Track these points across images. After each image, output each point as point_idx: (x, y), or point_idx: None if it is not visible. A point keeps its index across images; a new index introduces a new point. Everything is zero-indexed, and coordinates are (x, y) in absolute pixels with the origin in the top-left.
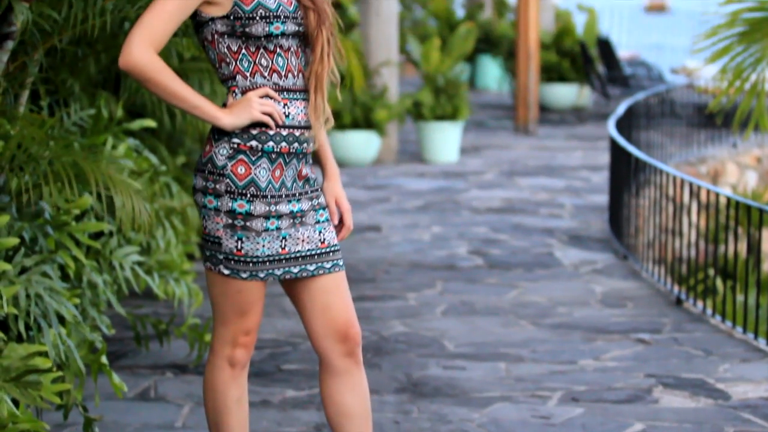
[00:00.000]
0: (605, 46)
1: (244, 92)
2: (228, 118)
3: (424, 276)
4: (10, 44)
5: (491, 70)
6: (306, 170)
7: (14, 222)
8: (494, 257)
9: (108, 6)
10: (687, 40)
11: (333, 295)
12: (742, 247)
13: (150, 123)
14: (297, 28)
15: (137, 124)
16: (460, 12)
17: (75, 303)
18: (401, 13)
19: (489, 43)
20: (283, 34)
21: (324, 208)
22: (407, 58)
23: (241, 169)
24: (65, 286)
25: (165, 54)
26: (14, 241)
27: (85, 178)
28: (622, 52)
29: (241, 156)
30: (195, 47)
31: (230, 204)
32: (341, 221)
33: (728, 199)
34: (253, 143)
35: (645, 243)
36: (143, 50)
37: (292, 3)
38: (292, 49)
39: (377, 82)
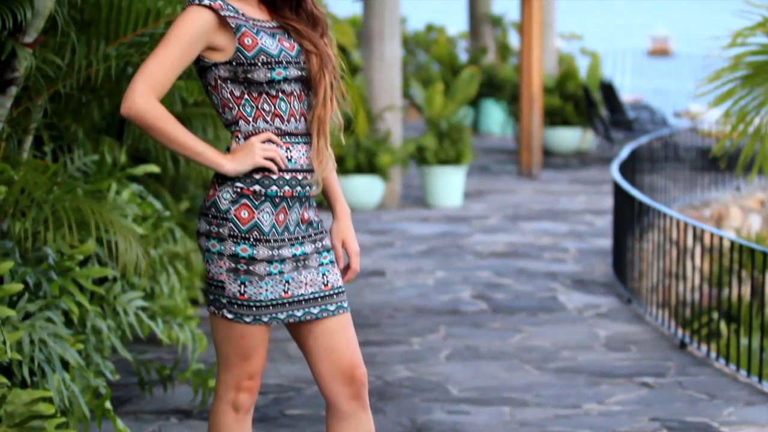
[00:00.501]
0: (608, 90)
1: (246, 137)
2: (230, 165)
3: (428, 321)
4: (13, 90)
5: (494, 115)
6: (308, 214)
7: (18, 267)
8: (498, 302)
9: (111, 51)
10: (690, 84)
11: (338, 338)
12: (746, 291)
13: (153, 168)
14: (299, 73)
15: (141, 170)
16: (463, 56)
17: (79, 348)
18: (404, 58)
19: (492, 87)
20: (285, 79)
21: (329, 251)
22: (410, 102)
23: (244, 214)
24: (69, 332)
25: (168, 99)
26: (18, 286)
27: (88, 223)
28: (626, 95)
29: (245, 200)
30: (198, 92)
31: (233, 248)
32: (349, 263)
33: (732, 243)
34: (257, 188)
35: (649, 287)
36: (145, 97)
37: (294, 48)
38: (294, 93)
39: (380, 126)
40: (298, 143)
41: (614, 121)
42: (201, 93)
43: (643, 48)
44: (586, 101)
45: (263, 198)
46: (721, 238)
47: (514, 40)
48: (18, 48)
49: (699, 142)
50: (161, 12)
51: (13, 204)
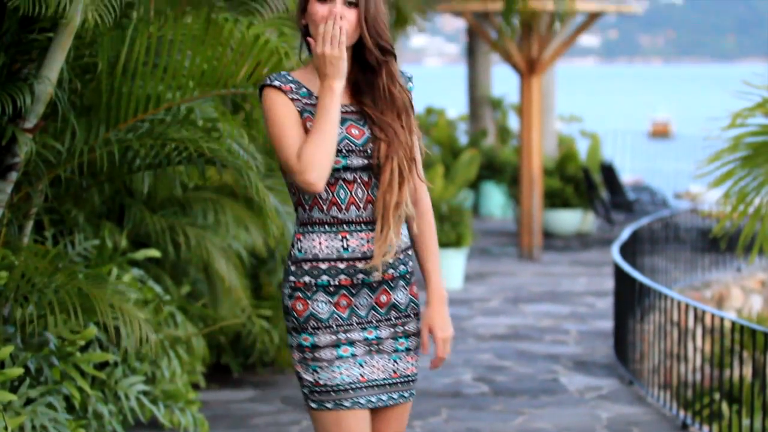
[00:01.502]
0: (609, 172)
1: (302, 224)
2: (329, 83)
3: (430, 403)
4: (14, 175)
5: (495, 197)
6: (394, 296)
7: (19, 352)
8: (499, 384)
9: (111, 137)
10: (691, 165)
11: (392, 424)
12: (748, 371)
13: (154, 253)
14: (364, 161)
15: (141, 254)
16: (463, 139)
17: None
18: None
19: (492, 169)
20: (345, 168)
21: (408, 336)
22: None
23: (299, 306)
24: (70, 417)
25: (169, 184)
26: (19, 371)
27: (89, 307)
28: (626, 177)
29: (298, 293)
30: (198, 177)
31: (297, 339)
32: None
33: (733, 324)
34: (306, 279)
35: (650, 368)
36: (309, 166)
37: (363, 135)
38: (358, 181)
39: None
40: (359, 231)
41: (615, 203)
42: (200, 178)
43: (644, 129)
44: (586, 183)
45: (315, 288)
46: (722, 319)
47: (513, 122)
48: (18, 133)
49: (699, 223)
50: (161, 98)
51: (14, 289)
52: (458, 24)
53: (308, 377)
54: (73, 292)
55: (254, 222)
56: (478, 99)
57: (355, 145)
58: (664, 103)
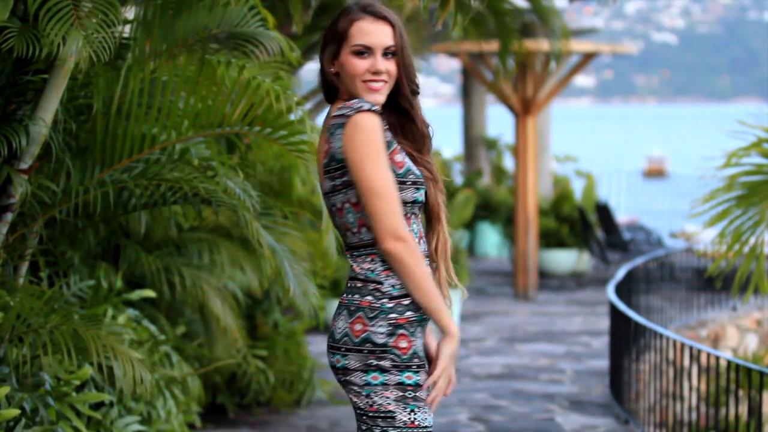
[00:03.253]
0: (604, 212)
1: (383, 261)
2: (454, 329)
3: None
4: (9, 216)
5: (490, 237)
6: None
7: (15, 393)
8: (495, 424)
9: (106, 177)
10: (686, 205)
11: None
12: (744, 410)
13: (149, 293)
14: (424, 198)
15: (137, 295)
16: (458, 179)
17: None
18: None
19: (488, 209)
20: (417, 202)
21: None
22: None
23: (403, 343)
24: None
25: (164, 225)
26: (15, 412)
27: (85, 348)
28: (621, 216)
29: (402, 330)
30: (194, 217)
31: (398, 377)
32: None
33: (728, 362)
34: (409, 314)
35: (646, 407)
36: (410, 236)
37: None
38: (418, 216)
39: None
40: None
41: (610, 243)
42: (196, 218)
43: (639, 169)
44: (581, 223)
45: (416, 324)
46: (717, 358)
47: (509, 162)
48: (13, 174)
49: (695, 262)
50: (156, 138)
51: (9, 330)
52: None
53: (404, 417)
54: (68, 333)
55: (249, 262)
56: (473, 139)
57: (421, 180)
58: (660, 142)
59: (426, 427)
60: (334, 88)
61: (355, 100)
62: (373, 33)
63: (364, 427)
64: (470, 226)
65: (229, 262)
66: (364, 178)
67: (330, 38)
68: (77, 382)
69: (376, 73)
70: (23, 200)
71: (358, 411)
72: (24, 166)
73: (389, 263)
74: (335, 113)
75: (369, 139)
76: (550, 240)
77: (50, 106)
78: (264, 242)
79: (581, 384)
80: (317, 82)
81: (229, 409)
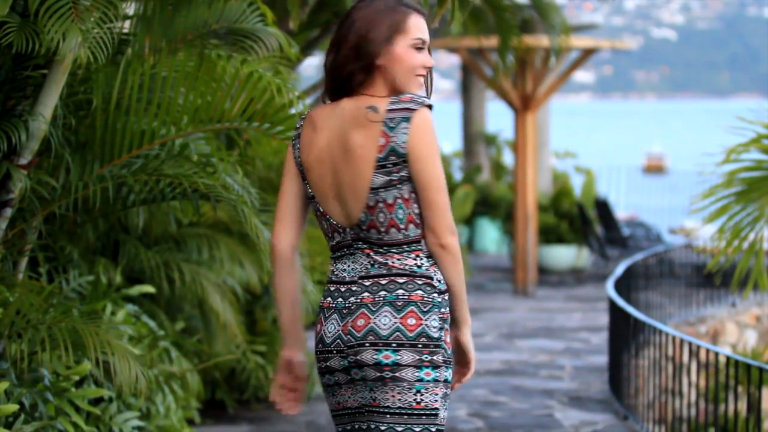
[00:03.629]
0: (603, 208)
1: (429, 256)
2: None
3: None
4: (8, 211)
5: (490, 233)
6: None
7: (14, 388)
8: (494, 420)
9: (106, 173)
10: (685, 201)
11: None
12: (743, 406)
13: (149, 289)
14: None
15: (136, 290)
16: (457, 175)
17: None
18: None
19: (487, 205)
20: None
21: None
22: None
23: (448, 338)
24: None
25: (164, 220)
26: (14, 407)
27: (84, 344)
28: (620, 212)
29: (446, 325)
30: (193, 213)
31: (446, 373)
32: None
33: (728, 359)
34: (448, 309)
35: (645, 403)
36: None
37: None
38: None
39: None
40: None
41: (609, 239)
42: (195, 214)
43: (638, 165)
44: (581, 219)
45: (449, 320)
46: (717, 354)
47: (508, 158)
48: (13, 170)
49: (694, 258)
50: (156, 133)
51: (8, 325)
52: (453, 60)
53: (443, 414)
54: (67, 329)
55: (249, 258)
56: (472, 135)
57: None
58: (659, 138)
59: (444, 424)
60: (346, 82)
61: (412, 95)
62: (424, 30)
63: (400, 429)
64: (469, 221)
65: (229, 258)
66: (434, 173)
67: (372, 29)
68: (76, 378)
69: (427, 68)
70: (22, 196)
71: (393, 410)
72: (23, 161)
73: (442, 257)
74: (394, 107)
75: (434, 134)
76: (549, 236)
77: (50, 102)
78: (263, 238)
79: (580, 380)
80: (318, 78)
81: (228, 405)
